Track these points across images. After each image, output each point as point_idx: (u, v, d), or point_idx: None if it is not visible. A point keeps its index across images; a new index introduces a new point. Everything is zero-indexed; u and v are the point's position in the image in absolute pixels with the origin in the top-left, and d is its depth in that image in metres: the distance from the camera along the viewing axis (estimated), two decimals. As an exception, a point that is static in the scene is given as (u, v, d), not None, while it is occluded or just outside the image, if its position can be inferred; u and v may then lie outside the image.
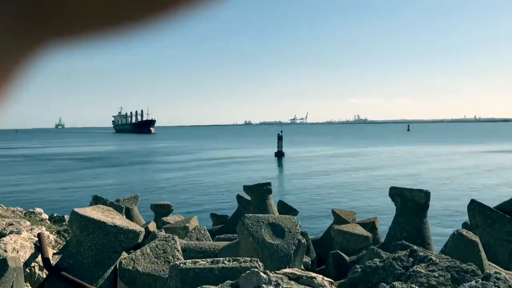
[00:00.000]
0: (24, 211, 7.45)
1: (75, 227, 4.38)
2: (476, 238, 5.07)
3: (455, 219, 16.89)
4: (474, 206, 6.87)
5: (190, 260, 3.83)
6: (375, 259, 3.59)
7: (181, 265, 3.69)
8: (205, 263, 3.70)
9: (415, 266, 3.28)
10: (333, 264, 6.96)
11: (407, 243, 5.66)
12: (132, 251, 5.38)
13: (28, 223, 5.81)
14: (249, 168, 41.88)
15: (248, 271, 3.18)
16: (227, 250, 5.32)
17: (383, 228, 9.38)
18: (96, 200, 8.45)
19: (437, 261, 3.29)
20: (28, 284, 4.67)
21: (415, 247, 4.11)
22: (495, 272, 3.01)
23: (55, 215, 7.67)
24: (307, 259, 7.41)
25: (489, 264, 5.12)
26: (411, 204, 7.33)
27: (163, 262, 4.63)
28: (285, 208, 10.95)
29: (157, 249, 4.78)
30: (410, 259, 3.43)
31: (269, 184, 10.05)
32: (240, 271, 3.45)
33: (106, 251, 4.44)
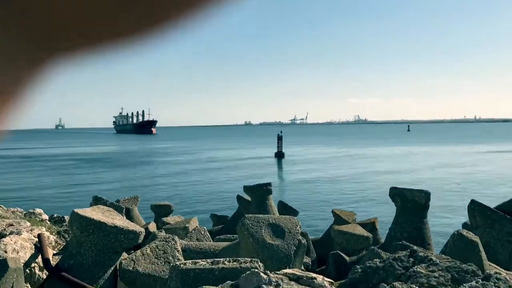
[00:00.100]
0: (24, 212, 7.45)
1: (75, 228, 4.38)
2: (476, 239, 5.07)
3: (455, 219, 16.89)
4: (474, 207, 6.87)
5: (190, 261, 3.83)
6: (375, 260, 3.59)
7: (181, 265, 3.69)
8: (205, 264, 3.70)
9: (416, 267, 3.28)
10: (333, 264, 6.96)
11: (407, 243, 5.66)
12: (132, 251, 5.38)
13: (28, 223, 5.81)
14: (249, 169, 41.88)
15: (249, 272, 3.18)
16: (227, 250, 5.32)
17: (383, 228, 9.38)
18: (96, 201, 8.45)
19: (438, 261, 3.29)
20: (28, 285, 4.67)
21: (415, 247, 4.11)
22: (496, 273, 3.01)
23: (55, 215, 7.67)
24: (307, 259, 7.41)
25: (490, 265, 5.12)
26: (411, 204, 7.33)
27: (163, 263, 4.63)
28: (285, 208, 10.94)
29: (157, 250, 4.79)
30: (411, 259, 3.43)
31: (269, 184, 10.05)
32: (240, 271, 3.45)
33: (106, 251, 4.44)
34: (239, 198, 11.28)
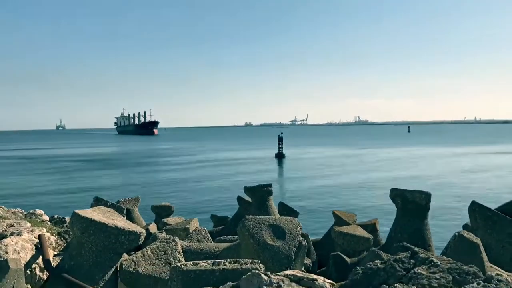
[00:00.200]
0: (25, 213, 7.44)
1: (76, 229, 4.38)
2: (477, 240, 5.06)
3: (455, 220, 16.89)
4: (475, 208, 6.85)
5: (191, 262, 3.82)
6: (376, 261, 3.58)
7: (182, 266, 3.69)
8: (206, 265, 3.69)
9: (417, 268, 3.27)
10: (334, 265, 6.95)
11: (408, 244, 5.66)
12: (133, 252, 5.38)
13: (29, 224, 5.81)
14: (249, 170, 41.89)
15: (249, 273, 3.17)
16: (228, 251, 5.32)
17: (384, 229, 9.37)
18: (97, 202, 8.45)
19: (439, 263, 3.29)
20: (29, 286, 4.67)
21: (416, 248, 4.10)
22: (497, 274, 3.01)
23: (55, 216, 7.66)
24: (307, 260, 7.41)
25: (491, 266, 5.11)
26: (412, 205, 7.32)
27: (164, 264, 4.62)
28: (285, 209, 10.93)
29: (158, 251, 4.78)
30: (412, 260, 3.42)
31: (269, 185, 10.04)
32: (241, 272, 3.45)
33: (107, 252, 4.43)
34: (239, 199, 11.27)
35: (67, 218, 7.05)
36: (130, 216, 9.14)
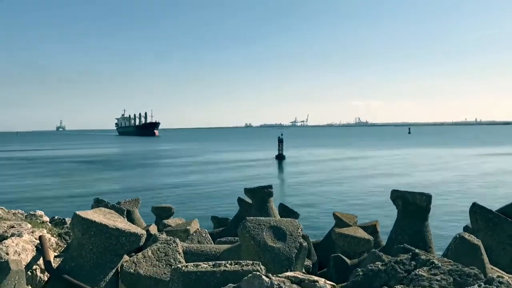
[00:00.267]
0: (25, 214, 7.44)
1: (77, 230, 4.38)
2: (478, 242, 5.05)
3: (456, 222, 16.86)
4: (476, 210, 6.84)
5: (191, 263, 3.82)
6: (377, 263, 3.58)
7: (183, 268, 3.69)
8: (207, 266, 3.69)
9: (418, 270, 3.27)
10: (334, 267, 6.94)
11: (409, 246, 5.65)
12: (134, 254, 5.38)
13: (30, 225, 5.81)
14: (250, 171, 41.88)
15: (250, 275, 3.17)
16: (228, 253, 5.31)
17: (384, 231, 9.37)
18: (98, 203, 8.45)
19: (440, 264, 3.28)
20: (30, 287, 4.67)
21: (417, 250, 4.10)
22: (498, 276, 3.00)
23: (56, 217, 7.66)
24: (308, 262, 7.40)
25: (492, 268, 5.10)
26: (413, 207, 7.31)
27: (164, 265, 4.62)
28: (286, 211, 10.93)
29: (158, 252, 4.78)
30: (412, 262, 3.42)
31: (270, 187, 10.03)
32: (242, 274, 3.45)
33: (107, 254, 4.43)
34: (240, 200, 11.26)
35: (68, 219, 7.05)
36: (130, 218, 9.14)
